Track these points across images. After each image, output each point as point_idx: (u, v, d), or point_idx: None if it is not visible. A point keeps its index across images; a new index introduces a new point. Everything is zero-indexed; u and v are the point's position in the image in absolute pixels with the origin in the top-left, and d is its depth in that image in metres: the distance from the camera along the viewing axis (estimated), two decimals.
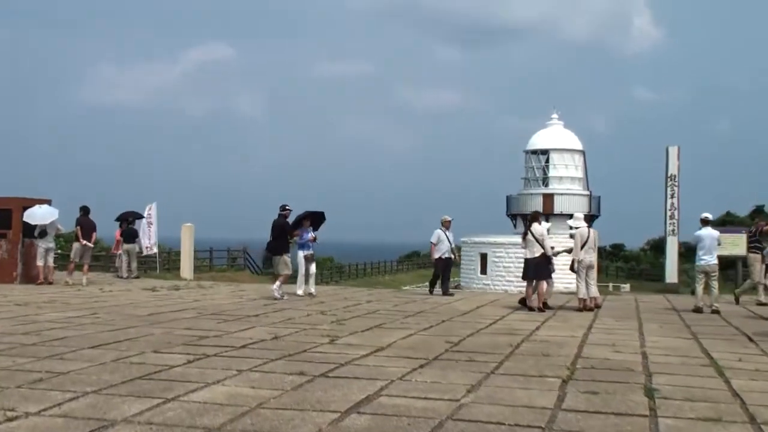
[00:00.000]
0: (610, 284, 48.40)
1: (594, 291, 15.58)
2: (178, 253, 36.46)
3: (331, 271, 58.07)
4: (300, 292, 17.32)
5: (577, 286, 15.53)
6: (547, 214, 52.75)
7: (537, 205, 53.78)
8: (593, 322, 13.35)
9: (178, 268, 31.14)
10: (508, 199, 56.55)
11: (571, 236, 16.25)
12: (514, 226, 55.82)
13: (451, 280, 59.74)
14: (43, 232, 19.97)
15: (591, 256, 15.54)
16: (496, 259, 48.73)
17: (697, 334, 11.92)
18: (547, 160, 54.04)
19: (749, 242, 18.92)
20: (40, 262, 20.10)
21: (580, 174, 54.64)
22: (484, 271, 47.82)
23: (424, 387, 7.18)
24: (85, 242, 20.56)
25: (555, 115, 56.46)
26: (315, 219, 17.63)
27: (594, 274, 15.68)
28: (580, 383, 7.54)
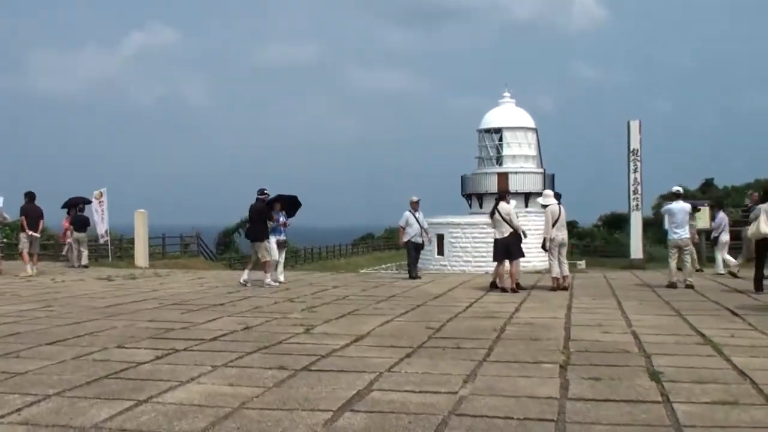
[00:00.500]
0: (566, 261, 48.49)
1: (566, 269, 15.23)
2: (129, 241, 35.52)
3: (287, 256, 57.27)
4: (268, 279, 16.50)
5: (550, 265, 15.16)
6: (503, 192, 52.75)
7: (491, 184, 53.70)
8: (571, 301, 12.98)
9: (131, 256, 30.21)
10: (463, 178, 56.24)
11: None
12: (470, 206, 55.67)
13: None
14: None
15: (563, 234, 15.17)
16: (453, 240, 48.52)
17: (680, 310, 11.60)
18: (501, 139, 53.84)
19: (743, 215, 18.88)
20: None
21: (533, 152, 54.56)
22: (441, 252, 47.58)
23: (416, 379, 6.67)
24: (31, 233, 19.57)
25: (507, 94, 56.23)
26: (288, 204, 16.91)
27: (565, 252, 15.32)
28: (580, 368, 7.11)
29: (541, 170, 53.94)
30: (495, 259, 15.09)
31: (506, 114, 54.20)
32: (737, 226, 21.19)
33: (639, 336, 9.05)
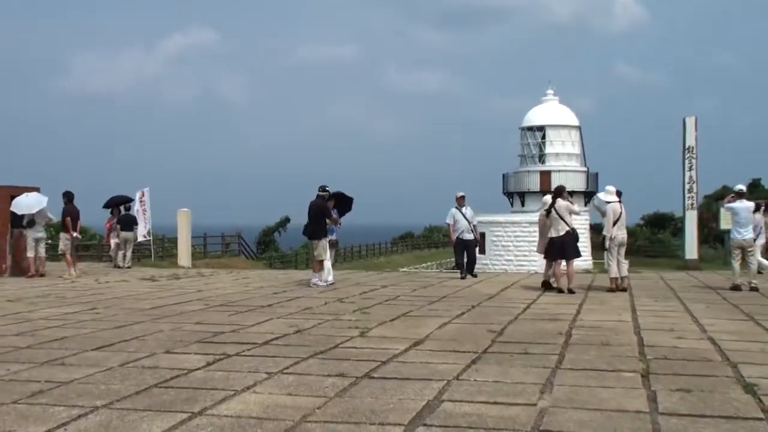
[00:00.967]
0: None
1: (624, 270, 14.58)
2: (170, 240, 35.39)
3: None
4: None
5: (609, 265, 14.53)
6: (545, 191, 51.96)
7: (534, 182, 52.97)
8: (633, 303, 12.36)
9: (173, 256, 30.04)
10: (505, 177, 55.57)
11: (598, 211, 15.33)
12: (511, 204, 55.00)
13: (449, 260, 58.58)
14: (32, 222, 18.75)
15: (623, 233, 14.54)
16: (495, 239, 47.85)
17: (753, 314, 10.95)
18: (543, 137, 53.12)
19: None
20: (30, 254, 18.84)
21: (576, 150, 53.75)
22: (482, 250, 46.93)
23: (488, 388, 6.16)
24: (75, 234, 19.36)
25: (550, 91, 55.43)
26: (342, 202, 16.39)
27: (623, 251, 14.68)
28: (663, 378, 6.54)
29: (584, 169, 53.08)
30: (550, 258, 14.49)
31: (549, 112, 53.44)
32: None
33: (717, 342, 8.45)
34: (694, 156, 24.06)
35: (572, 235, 14.24)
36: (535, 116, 53.84)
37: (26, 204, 18.78)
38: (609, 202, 14.38)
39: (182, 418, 5.28)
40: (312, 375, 6.68)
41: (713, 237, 49.44)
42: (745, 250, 14.99)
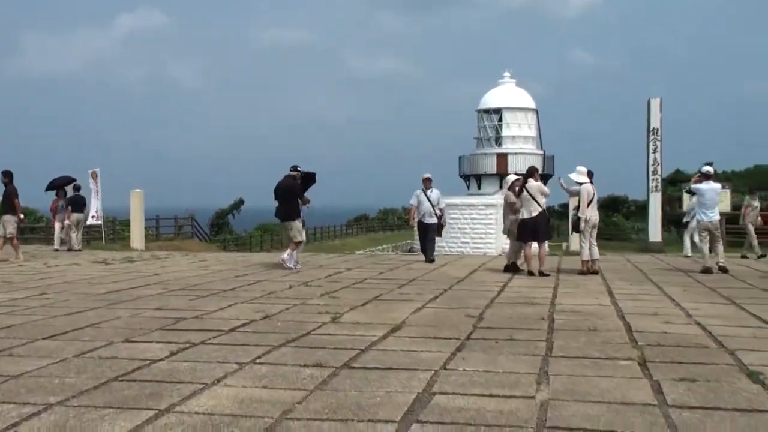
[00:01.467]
0: (564, 244, 47.64)
1: (596, 252, 14.25)
2: (122, 223, 34.46)
3: (280, 237, 56.43)
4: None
5: (581, 247, 14.17)
6: (501, 174, 51.80)
7: (490, 164, 52.81)
8: (608, 287, 12.02)
9: (124, 239, 29.19)
10: (461, 159, 55.31)
11: (568, 191, 14.99)
12: (468, 187, 54.77)
13: (405, 242, 58.19)
14: None
15: (596, 215, 14.20)
16: (451, 221, 47.19)
17: (732, 298, 10.67)
18: (500, 119, 52.92)
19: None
20: None
21: (533, 133, 53.68)
22: (438, 233, 46.59)
23: (480, 379, 5.69)
24: (21, 216, 18.27)
25: (507, 74, 55.22)
26: (305, 179, 15.77)
27: (595, 233, 14.35)
28: (662, 367, 6.14)
29: (540, 152, 53.03)
30: (522, 239, 14.09)
31: (506, 94, 53.22)
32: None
33: (706, 327, 8.10)
34: (659, 138, 23.88)
35: (545, 217, 13.87)
36: (491, 99, 53.59)
37: None
38: (581, 183, 14.01)
39: (148, 416, 4.72)
40: (287, 365, 6.15)
41: (667, 220, 49.84)
42: (711, 232, 14.76)
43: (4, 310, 9.31)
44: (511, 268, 14.43)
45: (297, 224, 15.13)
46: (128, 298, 10.47)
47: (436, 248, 17.93)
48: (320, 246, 52.51)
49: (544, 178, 50.52)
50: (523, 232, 13.95)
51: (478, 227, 45.11)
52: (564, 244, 29.41)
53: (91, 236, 28.87)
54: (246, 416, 4.74)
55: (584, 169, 14.21)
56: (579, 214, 13.91)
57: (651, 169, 23.98)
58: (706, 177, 15.03)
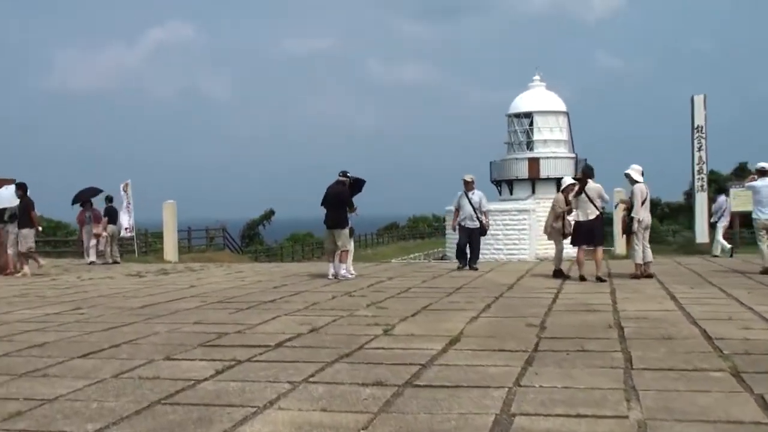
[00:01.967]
0: (610, 248, 46.77)
1: (649, 255, 13.56)
2: (154, 235, 34.14)
3: (312, 247, 56.04)
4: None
5: (634, 249, 13.48)
6: (533, 178, 51.02)
7: (522, 169, 51.98)
8: (669, 291, 11.36)
9: (156, 251, 28.84)
10: (492, 165, 54.52)
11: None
12: (499, 192, 53.96)
13: (436, 251, 57.31)
14: (14, 215, 17.28)
15: (649, 216, 13.51)
16: None
17: None
18: (531, 123, 52.10)
19: None
20: (10, 250, 17.35)
21: (564, 136, 52.77)
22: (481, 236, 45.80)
23: (560, 396, 5.11)
24: (39, 228, 17.95)
25: (537, 77, 54.34)
26: (353, 186, 15.21)
27: (648, 235, 13.67)
28: (760, 378, 5.53)
29: (573, 155, 52.14)
30: (574, 243, 13.43)
31: (536, 98, 52.38)
32: None
33: None
34: (704, 135, 23.01)
35: (601, 220, 13.19)
36: (522, 103, 52.77)
37: (7, 197, 17.29)
38: (636, 182, 13.31)
39: None
40: (344, 384, 5.61)
41: None
42: None
43: (37, 326, 8.85)
44: (560, 274, 13.80)
45: (346, 232, 14.64)
46: (165, 312, 9.98)
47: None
48: (353, 255, 52.01)
49: (578, 182, 49.90)
50: (576, 235, 13.28)
51: (511, 233, 44.42)
52: (611, 249, 28.70)
53: (124, 249, 28.53)
54: None
55: (640, 168, 13.50)
56: (632, 215, 13.19)
57: (696, 168, 23.13)
58: (761, 173, 14.30)
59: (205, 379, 5.83)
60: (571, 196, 13.37)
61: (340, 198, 14.52)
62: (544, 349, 6.84)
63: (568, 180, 13.81)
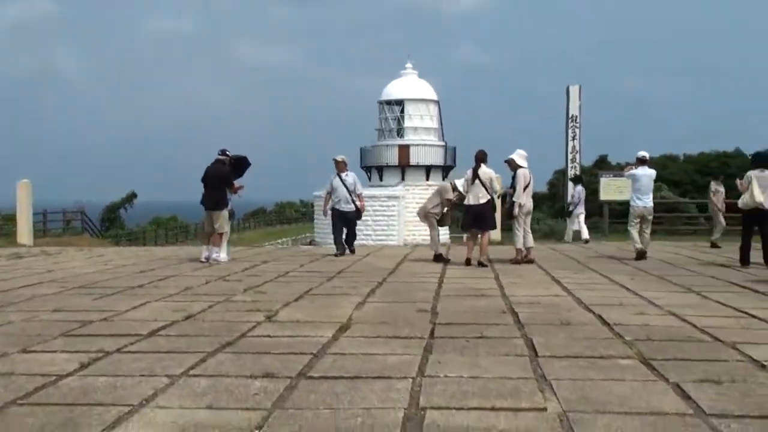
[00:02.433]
0: (464, 235, 47.43)
1: (530, 240, 13.47)
2: (5, 217, 32.10)
3: (176, 231, 54.49)
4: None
5: (515, 235, 13.34)
6: (403, 165, 51.16)
7: (392, 156, 52.07)
8: (552, 276, 11.23)
9: (7, 234, 27.06)
10: (362, 151, 54.35)
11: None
12: (369, 178, 53.85)
13: (304, 236, 56.56)
14: None
15: (531, 201, 13.40)
16: None
17: (687, 286, 10.03)
18: (402, 111, 52.18)
19: None
20: None
21: (435, 124, 53.15)
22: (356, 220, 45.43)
23: (470, 388, 4.70)
24: None
25: (409, 65, 54.47)
26: (237, 165, 14.38)
27: (529, 220, 13.58)
28: (671, 366, 5.30)
29: (442, 143, 52.60)
30: (465, 227, 13.16)
31: (408, 85, 52.50)
32: None
33: (685, 318, 7.35)
34: (578, 125, 23.42)
35: (491, 205, 12.93)
36: (393, 90, 52.78)
37: None
38: (520, 167, 13.16)
39: None
40: (230, 376, 5.02)
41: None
42: (644, 219, 14.22)
43: None
44: (441, 258, 13.54)
45: (225, 214, 13.93)
46: (20, 298, 9.02)
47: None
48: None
49: (446, 170, 50.37)
50: (465, 219, 13.01)
51: (380, 219, 44.33)
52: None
53: None
54: None
55: (524, 153, 13.34)
56: (514, 199, 13.03)
57: (570, 156, 23.52)
58: (641, 162, 14.46)
59: (69, 374, 5.10)
60: (448, 193, 13.19)
61: (220, 177, 13.78)
62: (441, 335, 6.44)
63: (460, 183, 13.35)
